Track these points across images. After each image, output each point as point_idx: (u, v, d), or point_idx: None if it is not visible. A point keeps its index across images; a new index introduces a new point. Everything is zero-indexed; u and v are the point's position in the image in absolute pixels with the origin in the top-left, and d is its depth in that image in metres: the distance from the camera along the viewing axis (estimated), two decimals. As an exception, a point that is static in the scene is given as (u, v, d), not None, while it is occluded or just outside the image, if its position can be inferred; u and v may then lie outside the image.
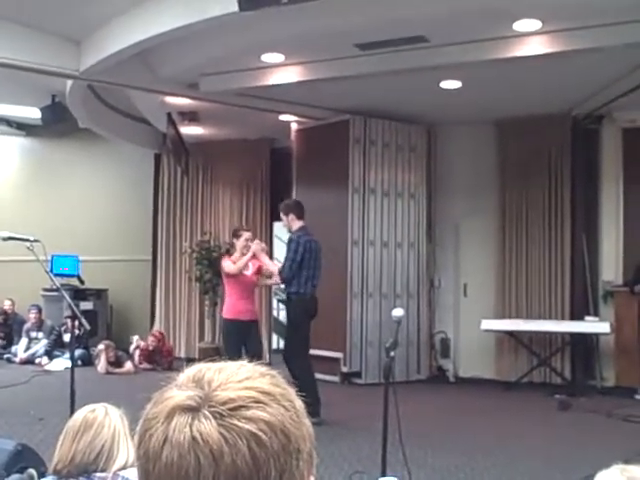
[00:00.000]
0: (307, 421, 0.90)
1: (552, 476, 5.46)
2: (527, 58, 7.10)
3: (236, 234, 7.95)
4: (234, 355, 6.57)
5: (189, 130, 10.65)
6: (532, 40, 6.90)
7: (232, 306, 7.56)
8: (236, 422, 0.82)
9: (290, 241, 7.56)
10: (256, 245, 7.64)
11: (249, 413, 0.83)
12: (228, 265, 7.62)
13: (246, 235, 7.84)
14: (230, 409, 0.82)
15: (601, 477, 0.98)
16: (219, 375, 0.87)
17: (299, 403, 0.90)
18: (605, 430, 6.78)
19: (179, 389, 0.86)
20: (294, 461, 0.85)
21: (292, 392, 0.91)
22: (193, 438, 0.81)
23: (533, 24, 6.61)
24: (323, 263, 9.88)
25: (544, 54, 7.00)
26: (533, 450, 6.20)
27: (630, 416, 7.19)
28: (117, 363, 10.33)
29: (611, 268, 9.57)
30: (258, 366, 0.91)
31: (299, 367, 7.22)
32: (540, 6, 6.26)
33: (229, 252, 8.36)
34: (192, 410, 0.83)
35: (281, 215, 7.69)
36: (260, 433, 0.82)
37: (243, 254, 7.61)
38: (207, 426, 0.81)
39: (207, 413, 0.82)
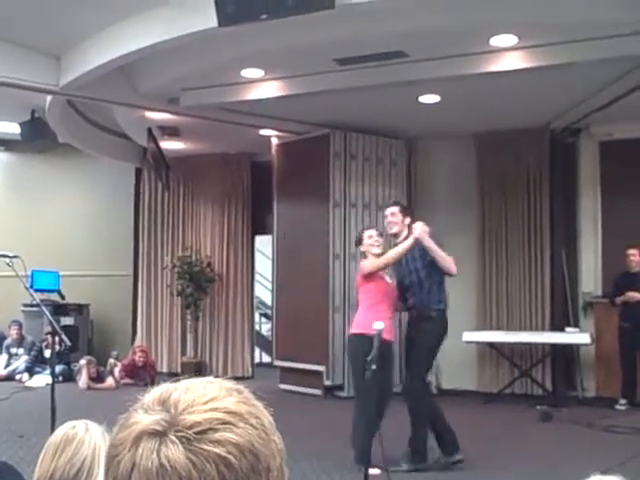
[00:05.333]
0: (276, 437, 0.89)
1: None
2: (504, 73, 7.20)
3: (359, 241, 6.29)
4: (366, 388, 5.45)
5: (170, 145, 10.66)
6: (509, 55, 7.00)
7: (364, 319, 5.81)
8: (204, 446, 0.80)
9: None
10: (421, 227, 5.91)
11: (217, 436, 0.81)
12: (367, 263, 6.05)
13: (370, 232, 6.22)
14: (197, 433, 0.81)
15: None
16: (185, 396, 0.85)
17: (268, 420, 0.89)
18: (586, 441, 6.82)
19: (145, 412, 0.84)
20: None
21: (260, 408, 0.89)
22: (161, 465, 0.79)
23: (510, 39, 6.70)
24: (305, 276, 9.95)
25: (521, 69, 7.09)
26: (515, 461, 6.23)
27: (611, 426, 7.25)
28: (98, 378, 10.28)
29: (590, 279, 9.66)
30: (225, 382, 0.90)
31: (427, 405, 6.01)
32: (516, 22, 6.35)
33: None
34: (159, 435, 0.81)
35: (399, 216, 6.22)
36: (229, 456, 0.81)
37: (377, 255, 6.02)
38: (175, 451, 0.80)
39: (174, 438, 0.81)
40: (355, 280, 6.29)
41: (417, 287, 6.02)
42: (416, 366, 5.98)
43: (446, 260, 5.99)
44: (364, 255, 6.13)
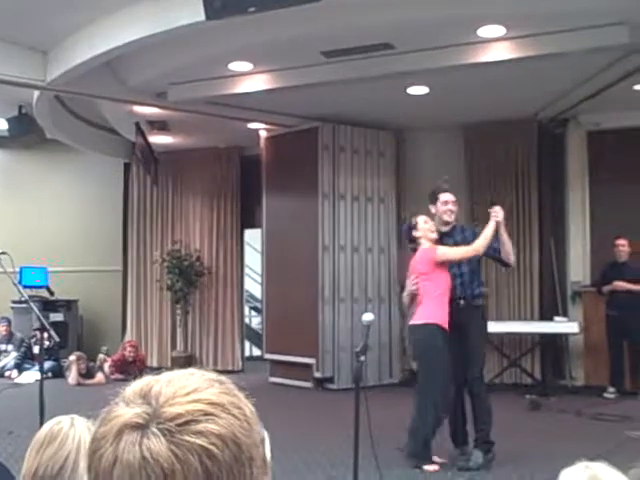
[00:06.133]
0: (258, 427, 0.89)
1: (522, 475, 5.53)
2: (492, 64, 7.20)
3: (414, 226, 5.88)
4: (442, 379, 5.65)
5: (158, 139, 10.63)
6: (497, 46, 7.00)
7: (434, 309, 5.68)
8: (186, 438, 0.80)
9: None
10: (501, 211, 5.81)
11: (199, 427, 0.81)
12: (452, 250, 5.75)
13: (425, 217, 5.91)
14: (179, 425, 0.81)
15: (565, 474, 1.02)
16: (166, 388, 0.85)
17: (250, 410, 0.89)
18: (574, 429, 6.87)
19: (127, 406, 0.84)
20: (247, 470, 0.84)
21: (242, 398, 0.89)
22: (143, 457, 0.79)
23: (497, 30, 6.70)
24: (294, 269, 9.97)
25: (509, 59, 7.09)
26: (504, 450, 6.27)
27: (599, 414, 7.30)
28: (88, 374, 10.26)
29: (579, 269, 9.71)
30: (207, 373, 0.89)
31: (485, 392, 5.92)
32: (504, 12, 6.35)
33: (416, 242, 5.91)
34: (140, 428, 0.81)
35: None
36: (211, 447, 0.81)
37: (434, 241, 5.80)
38: (157, 444, 0.79)
39: (156, 430, 0.80)
40: (407, 266, 5.97)
41: (467, 276, 5.87)
42: (478, 355, 5.89)
43: (511, 248, 5.91)
44: (416, 242, 5.85)
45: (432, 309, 5.67)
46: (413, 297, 5.84)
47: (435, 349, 5.60)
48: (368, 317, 4.59)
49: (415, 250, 5.88)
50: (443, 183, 6.15)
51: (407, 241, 6.04)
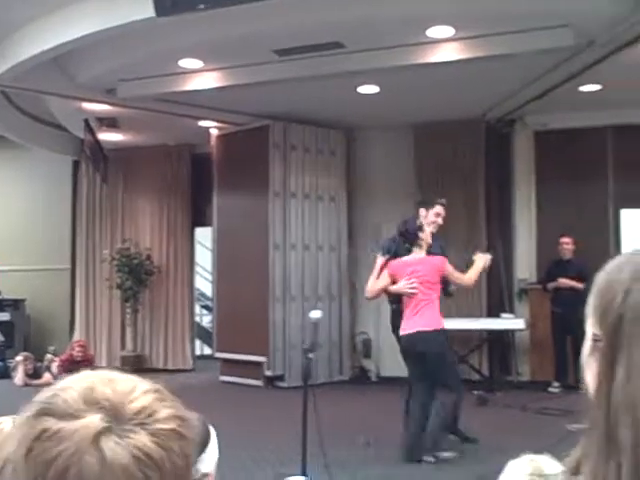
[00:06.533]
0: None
1: (470, 468, 5.63)
2: (441, 64, 7.30)
3: (420, 228, 6.02)
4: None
5: (108, 136, 10.53)
6: (445, 46, 7.10)
7: (437, 315, 5.93)
8: (160, 426, 0.81)
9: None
10: (489, 260, 6.37)
11: (162, 414, 0.83)
12: (460, 275, 6.12)
13: (440, 210, 6.32)
14: (147, 416, 0.81)
15: (511, 467, 1.06)
16: (111, 389, 0.83)
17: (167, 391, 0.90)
18: (520, 423, 7.01)
19: (78, 418, 0.80)
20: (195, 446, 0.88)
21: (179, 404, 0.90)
22: (134, 456, 0.78)
23: (446, 31, 6.80)
24: (245, 267, 9.96)
25: (457, 60, 7.20)
26: (452, 444, 6.38)
27: (544, 409, 7.45)
28: (35, 374, 10.11)
29: (525, 266, 9.91)
30: (110, 370, 0.89)
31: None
32: (452, 13, 6.45)
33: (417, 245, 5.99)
34: (112, 431, 0.79)
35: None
36: (180, 428, 0.83)
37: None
38: (140, 439, 0.79)
39: (132, 427, 0.80)
40: (368, 264, 6.22)
41: None
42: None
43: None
44: (419, 245, 5.94)
45: (439, 316, 5.89)
46: (388, 294, 6.05)
47: (450, 351, 6.06)
48: (315, 314, 4.62)
49: (409, 251, 5.95)
50: (442, 199, 6.52)
51: (403, 239, 6.04)
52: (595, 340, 0.94)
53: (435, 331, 5.81)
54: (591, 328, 0.95)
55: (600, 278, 0.96)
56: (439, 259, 5.96)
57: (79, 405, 0.81)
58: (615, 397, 0.87)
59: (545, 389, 8.72)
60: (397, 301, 6.18)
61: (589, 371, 0.95)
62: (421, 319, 5.80)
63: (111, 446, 0.78)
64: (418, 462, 5.70)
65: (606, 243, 9.28)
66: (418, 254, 5.90)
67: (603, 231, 9.46)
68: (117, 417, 0.80)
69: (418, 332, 5.78)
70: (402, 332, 5.90)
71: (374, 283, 6.06)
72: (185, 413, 0.87)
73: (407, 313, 5.88)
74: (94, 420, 0.80)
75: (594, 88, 8.45)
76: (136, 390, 0.84)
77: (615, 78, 7.90)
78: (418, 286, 5.80)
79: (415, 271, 5.83)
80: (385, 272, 5.98)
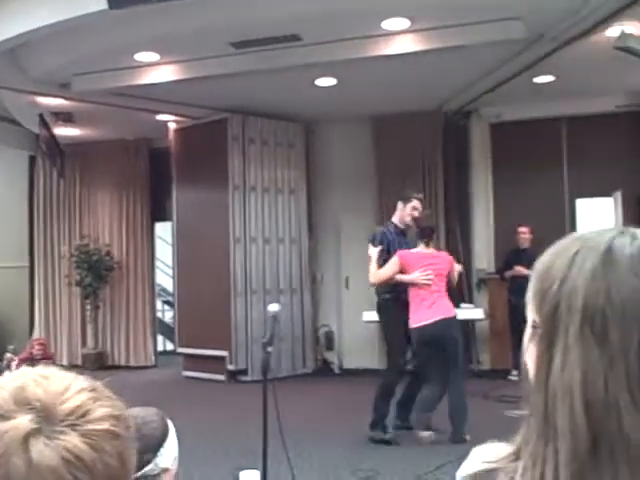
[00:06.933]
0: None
1: (430, 459, 5.69)
2: (398, 56, 7.33)
3: (410, 198, 6.60)
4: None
5: (63, 131, 10.38)
6: (401, 38, 7.13)
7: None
8: (91, 427, 0.80)
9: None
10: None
11: (96, 414, 0.82)
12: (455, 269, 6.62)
13: (418, 204, 6.60)
14: (79, 417, 0.80)
15: (474, 453, 1.07)
16: (43, 389, 0.82)
17: (106, 389, 0.89)
18: (481, 411, 7.06)
19: (8, 419, 0.79)
20: (133, 444, 0.87)
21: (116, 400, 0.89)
22: (63, 458, 0.77)
23: (401, 23, 6.83)
24: (206, 262, 9.92)
25: (413, 52, 7.23)
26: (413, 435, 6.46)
27: (504, 396, 7.54)
28: (-7, 374, 9.96)
29: (483, 256, 10.02)
30: (48, 368, 0.88)
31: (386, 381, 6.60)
32: (407, 5, 6.49)
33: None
34: (42, 433, 0.78)
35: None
36: (114, 428, 0.82)
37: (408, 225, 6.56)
38: (71, 440, 0.78)
39: (62, 428, 0.79)
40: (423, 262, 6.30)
41: None
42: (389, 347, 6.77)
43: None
44: (432, 241, 6.46)
45: (452, 305, 6.46)
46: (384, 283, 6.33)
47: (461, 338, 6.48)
48: (273, 308, 4.60)
49: (427, 244, 6.35)
50: (418, 193, 6.86)
51: (420, 235, 6.39)
52: (534, 327, 0.95)
53: (454, 318, 6.37)
54: (530, 314, 0.96)
55: (539, 264, 0.97)
56: (450, 256, 6.60)
57: (9, 406, 0.80)
58: (552, 383, 0.88)
59: (505, 377, 8.83)
60: (391, 291, 6.41)
61: (529, 357, 0.96)
62: (440, 308, 6.19)
63: (39, 448, 0.77)
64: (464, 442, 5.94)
65: (562, 232, 9.11)
66: (425, 249, 6.30)
67: (559, 220, 9.60)
68: (48, 418, 0.79)
69: (443, 319, 6.15)
70: (420, 322, 6.15)
71: (383, 270, 6.25)
72: (122, 411, 0.86)
73: (421, 304, 6.19)
74: (23, 421, 0.78)
75: (548, 79, 8.56)
76: (70, 389, 0.83)
77: (568, 69, 8.01)
78: (433, 278, 6.17)
79: (432, 264, 6.23)
80: (395, 261, 6.21)
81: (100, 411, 0.82)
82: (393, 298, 6.40)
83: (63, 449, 0.78)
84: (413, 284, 6.17)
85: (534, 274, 0.97)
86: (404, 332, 6.30)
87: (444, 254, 6.60)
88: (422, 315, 6.14)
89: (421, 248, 6.30)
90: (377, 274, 6.27)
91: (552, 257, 0.95)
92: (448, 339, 6.17)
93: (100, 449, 0.80)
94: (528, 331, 0.97)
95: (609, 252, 0.90)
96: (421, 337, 6.19)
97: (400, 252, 6.27)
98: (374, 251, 6.32)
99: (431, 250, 6.33)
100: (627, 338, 0.85)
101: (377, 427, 6.37)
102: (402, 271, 6.21)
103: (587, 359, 0.86)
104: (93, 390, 0.85)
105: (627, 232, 0.94)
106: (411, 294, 6.21)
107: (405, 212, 6.54)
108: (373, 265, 6.29)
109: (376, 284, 6.42)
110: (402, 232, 6.57)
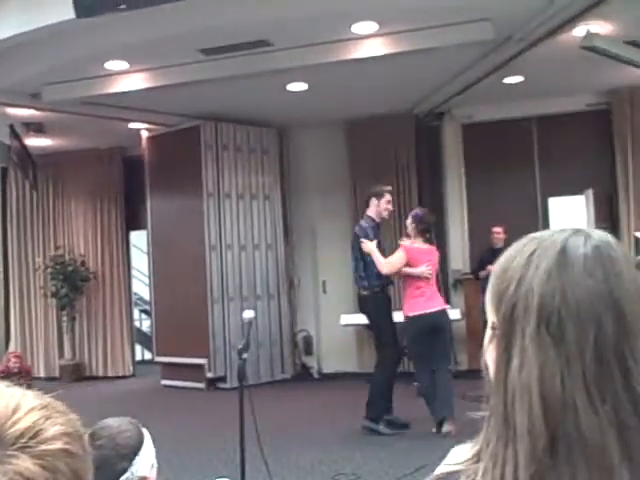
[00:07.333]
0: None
1: (410, 461, 5.70)
2: (368, 59, 7.35)
3: (382, 193, 7.00)
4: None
5: (35, 142, 10.30)
6: (370, 42, 7.16)
7: None
8: (44, 447, 0.78)
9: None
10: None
11: (49, 433, 0.79)
12: None
13: (390, 198, 7.03)
14: (31, 438, 0.78)
15: (453, 453, 1.07)
16: None
17: (60, 403, 0.86)
18: (459, 411, 7.08)
19: None
20: (90, 458, 0.85)
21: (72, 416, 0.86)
22: None
23: (370, 26, 6.85)
24: (182, 269, 9.88)
25: (383, 55, 7.26)
26: (394, 437, 6.48)
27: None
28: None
29: (459, 257, 10.07)
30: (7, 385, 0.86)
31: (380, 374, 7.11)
32: (376, 9, 6.51)
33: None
34: None
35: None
36: (67, 446, 0.80)
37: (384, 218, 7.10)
38: (22, 464, 0.75)
39: (12, 452, 0.76)
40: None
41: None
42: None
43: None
44: (428, 234, 6.84)
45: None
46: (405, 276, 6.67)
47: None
48: (248, 314, 4.60)
49: (429, 240, 6.81)
50: (387, 186, 7.22)
51: (424, 229, 6.77)
52: (493, 328, 0.96)
53: (444, 310, 6.81)
54: (490, 315, 0.97)
55: (497, 265, 0.98)
56: (437, 251, 6.98)
57: None
58: (511, 384, 0.89)
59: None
60: (380, 284, 6.81)
61: (489, 358, 0.97)
62: (438, 299, 6.72)
63: None
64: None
65: (536, 231, 9.43)
66: (423, 245, 6.69)
67: (532, 219, 9.66)
68: (1, 440, 0.77)
69: (442, 310, 6.70)
70: (420, 311, 6.52)
71: (394, 260, 6.60)
72: (76, 427, 0.84)
73: (420, 294, 6.58)
74: None
75: (517, 80, 8.63)
76: (20, 409, 0.80)
77: (537, 69, 8.08)
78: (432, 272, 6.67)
79: (431, 259, 6.69)
80: (402, 255, 6.58)
81: (52, 430, 0.80)
82: (382, 291, 6.85)
83: (14, 473, 0.75)
84: (413, 276, 6.55)
85: (492, 275, 0.97)
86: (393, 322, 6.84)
87: (435, 249, 6.90)
88: (422, 304, 6.53)
89: (419, 243, 6.66)
90: (390, 264, 6.59)
91: (509, 258, 0.96)
92: (444, 328, 6.72)
93: (54, 469, 0.77)
94: (488, 332, 0.98)
95: (564, 252, 0.92)
96: (420, 325, 6.53)
97: (406, 247, 6.65)
98: (373, 244, 6.63)
99: (428, 245, 6.74)
100: (583, 338, 0.87)
101: (378, 419, 6.71)
102: (407, 264, 6.58)
103: (544, 359, 0.87)
104: (44, 408, 0.82)
105: (581, 232, 0.95)
106: (410, 285, 6.62)
107: (381, 207, 6.90)
108: (379, 256, 6.59)
109: (388, 272, 6.67)
110: (378, 225, 6.97)
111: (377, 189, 7.05)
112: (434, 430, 6.42)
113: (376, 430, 6.66)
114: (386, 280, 6.82)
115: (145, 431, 2.17)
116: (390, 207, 7.00)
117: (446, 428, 6.31)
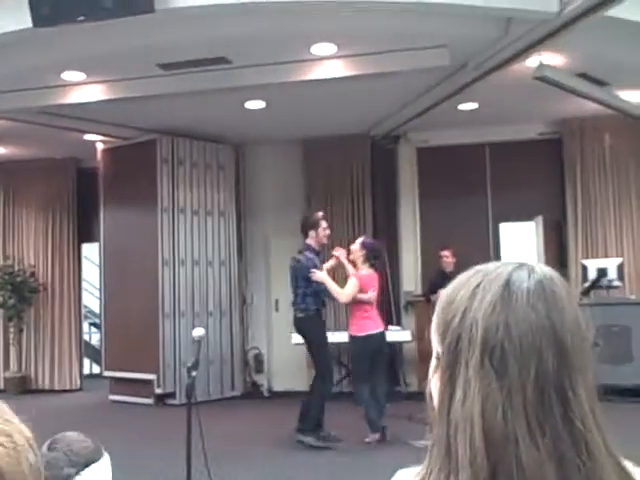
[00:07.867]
0: (31, 455, 0.82)
1: (352, 476, 5.71)
2: (326, 80, 7.41)
3: (318, 223, 7.22)
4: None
5: (-12, 150, 10.17)
6: (329, 63, 7.22)
7: None
8: None
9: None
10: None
11: None
12: None
13: (326, 224, 7.28)
14: None
15: (400, 474, 1.07)
16: None
17: (24, 436, 0.82)
18: (404, 432, 7.14)
19: None
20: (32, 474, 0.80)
21: (16, 425, 0.82)
22: None
23: (329, 48, 6.92)
24: (134, 284, 9.79)
25: (341, 77, 7.33)
26: (343, 454, 6.49)
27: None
28: None
29: (411, 279, 10.16)
30: None
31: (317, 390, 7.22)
32: (334, 31, 6.58)
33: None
34: None
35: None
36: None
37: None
38: None
39: None
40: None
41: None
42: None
43: None
44: (354, 263, 7.16)
45: None
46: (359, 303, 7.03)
47: None
48: (198, 332, 4.59)
49: (373, 266, 7.16)
50: (318, 212, 7.48)
51: (373, 256, 7.21)
52: (437, 358, 0.97)
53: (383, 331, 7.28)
54: (435, 345, 0.98)
55: (443, 296, 0.99)
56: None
57: None
58: (454, 415, 0.90)
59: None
60: (316, 307, 7.13)
61: (434, 388, 0.98)
62: (380, 321, 7.19)
63: None
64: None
65: (487, 255, 9.60)
66: (368, 270, 7.08)
67: (484, 244, 9.82)
68: None
69: (383, 332, 7.20)
70: (368, 331, 6.96)
71: (350, 290, 6.94)
72: (3, 466, 0.78)
73: (366, 316, 7.01)
74: None
75: (471, 107, 8.79)
76: None
77: (490, 97, 8.24)
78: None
79: (375, 285, 7.12)
80: (355, 282, 6.94)
81: None
82: (318, 313, 7.18)
83: None
84: (362, 300, 6.95)
85: (438, 306, 0.99)
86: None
87: (377, 275, 7.25)
88: (369, 325, 6.98)
89: (366, 269, 7.05)
90: (347, 295, 6.94)
91: (455, 290, 0.97)
92: (384, 349, 7.24)
93: None
94: (433, 362, 0.98)
95: (507, 286, 0.93)
96: (368, 344, 6.93)
97: (356, 274, 7.00)
98: (324, 274, 6.95)
99: (372, 271, 7.11)
100: (524, 371, 0.88)
101: (312, 432, 6.95)
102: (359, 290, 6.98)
103: (487, 392, 0.88)
104: None
105: (525, 266, 0.96)
106: (359, 309, 7.01)
107: (320, 235, 7.16)
108: (334, 286, 6.96)
109: (346, 302, 7.08)
110: (318, 253, 7.22)
111: (311, 220, 7.26)
112: (367, 440, 6.87)
113: (306, 442, 6.89)
114: (322, 304, 7.20)
115: (107, 455, 2.14)
116: (328, 231, 7.26)
117: (370, 438, 6.83)
